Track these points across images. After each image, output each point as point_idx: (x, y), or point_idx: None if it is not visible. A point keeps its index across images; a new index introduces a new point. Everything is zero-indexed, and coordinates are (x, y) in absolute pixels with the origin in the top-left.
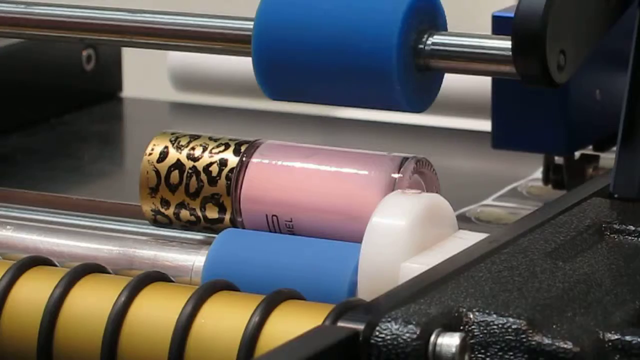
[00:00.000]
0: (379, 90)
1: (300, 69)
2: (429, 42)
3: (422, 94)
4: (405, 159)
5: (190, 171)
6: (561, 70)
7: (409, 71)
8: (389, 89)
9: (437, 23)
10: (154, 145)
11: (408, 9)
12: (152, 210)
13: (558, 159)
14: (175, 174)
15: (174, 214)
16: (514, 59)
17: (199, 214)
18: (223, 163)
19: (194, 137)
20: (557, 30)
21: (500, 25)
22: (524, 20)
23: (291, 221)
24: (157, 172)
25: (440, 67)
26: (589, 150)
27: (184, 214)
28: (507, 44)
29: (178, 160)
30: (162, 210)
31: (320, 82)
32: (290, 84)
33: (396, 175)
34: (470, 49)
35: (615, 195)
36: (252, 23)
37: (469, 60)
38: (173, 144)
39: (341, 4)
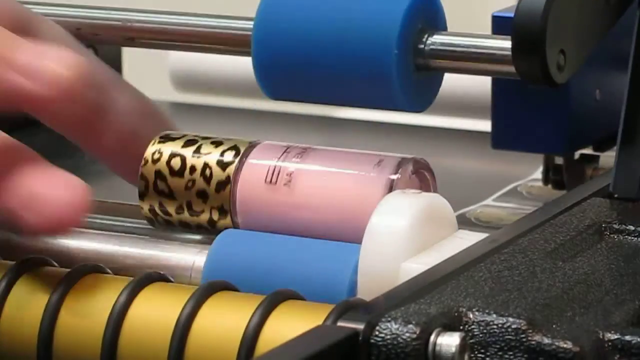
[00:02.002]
0: (379, 90)
1: (300, 69)
2: (428, 42)
3: (422, 94)
4: (404, 159)
5: (188, 172)
6: (561, 70)
7: (409, 71)
8: (389, 88)
9: (437, 23)
10: (153, 146)
11: (408, 8)
12: (150, 211)
13: (558, 159)
14: (173, 174)
15: (172, 214)
16: (514, 58)
17: (197, 215)
18: (221, 163)
19: (192, 138)
20: (557, 30)
21: (500, 25)
22: (524, 20)
23: (291, 221)
24: (156, 173)
25: (440, 67)
26: (589, 150)
27: (182, 215)
28: (507, 43)
29: (176, 160)
30: (160, 211)
31: (319, 82)
32: (289, 84)
33: (394, 176)
34: (470, 49)
35: (616, 195)
36: (252, 23)
37: (468, 60)
38: (172, 145)
39: (341, 4)
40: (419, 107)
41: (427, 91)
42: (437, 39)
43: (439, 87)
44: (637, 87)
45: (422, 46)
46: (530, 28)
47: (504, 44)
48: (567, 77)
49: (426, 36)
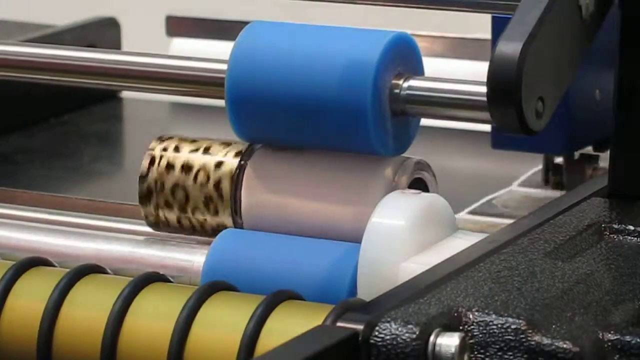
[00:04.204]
0: (354, 135)
1: (274, 114)
2: (405, 86)
3: (398, 138)
4: (405, 159)
5: (189, 172)
6: (539, 118)
7: (385, 117)
8: (364, 133)
9: (414, 67)
10: (153, 149)
11: (384, 53)
12: (150, 211)
13: (558, 159)
14: (174, 175)
15: (172, 214)
16: (490, 108)
17: (198, 215)
18: (222, 164)
19: (193, 139)
20: (535, 77)
21: (500, 25)
22: (499, 68)
23: (292, 221)
24: (157, 174)
25: (416, 112)
26: (588, 150)
27: (183, 215)
28: (483, 89)
29: (177, 161)
30: (161, 211)
31: (294, 126)
32: (263, 129)
33: (395, 177)
34: (446, 94)
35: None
36: (226, 66)
37: (445, 106)
38: (173, 146)
39: (316, 49)
40: (396, 150)
41: (404, 135)
42: (414, 83)
43: (416, 131)
44: (624, 87)
45: (398, 91)
46: (505, 78)
47: (481, 89)
48: (546, 122)
49: (402, 81)
